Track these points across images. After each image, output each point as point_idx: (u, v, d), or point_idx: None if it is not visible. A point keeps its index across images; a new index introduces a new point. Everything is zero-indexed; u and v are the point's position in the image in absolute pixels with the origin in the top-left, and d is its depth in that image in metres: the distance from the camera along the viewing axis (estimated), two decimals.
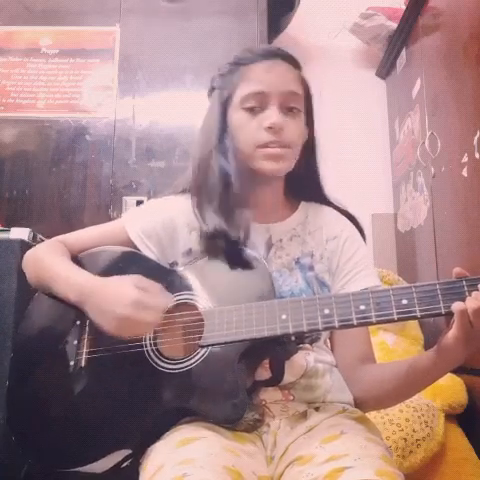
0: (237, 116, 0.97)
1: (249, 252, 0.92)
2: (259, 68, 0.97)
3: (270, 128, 0.94)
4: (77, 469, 0.86)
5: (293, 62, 1.00)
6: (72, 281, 0.91)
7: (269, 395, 0.91)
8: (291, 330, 0.81)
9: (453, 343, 0.77)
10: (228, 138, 0.97)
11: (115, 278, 0.88)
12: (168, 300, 0.87)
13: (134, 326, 0.83)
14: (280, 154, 0.95)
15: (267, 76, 0.96)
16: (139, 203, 1.93)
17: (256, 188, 1.00)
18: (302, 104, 1.00)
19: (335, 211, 1.07)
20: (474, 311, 0.73)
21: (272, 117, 0.94)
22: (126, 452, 0.86)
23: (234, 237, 0.93)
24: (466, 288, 0.76)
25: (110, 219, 1.91)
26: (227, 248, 0.93)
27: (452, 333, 0.76)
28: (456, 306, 0.75)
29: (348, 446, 0.79)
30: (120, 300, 0.83)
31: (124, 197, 1.97)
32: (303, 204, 1.06)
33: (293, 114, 0.97)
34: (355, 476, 0.71)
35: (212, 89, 1.05)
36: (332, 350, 1.01)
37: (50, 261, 0.96)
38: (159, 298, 0.85)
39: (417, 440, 1.38)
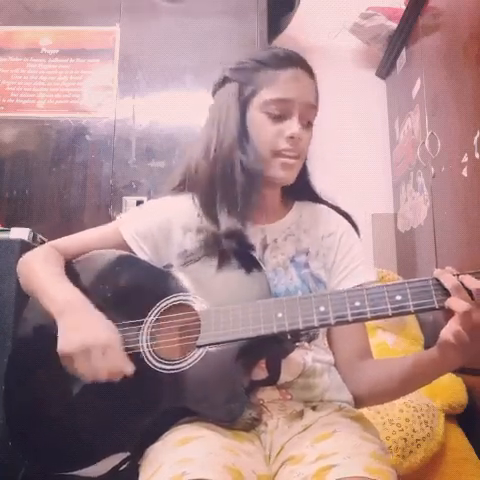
0: (257, 117, 0.97)
1: (249, 253, 0.93)
2: (287, 75, 0.96)
3: (291, 138, 0.95)
4: (76, 472, 0.86)
5: (311, 72, 1.01)
6: (57, 298, 0.90)
7: (267, 394, 0.91)
8: (287, 328, 0.82)
9: (450, 342, 0.77)
10: (248, 137, 0.97)
11: (100, 316, 0.88)
12: (127, 368, 0.85)
13: (87, 362, 0.82)
14: (293, 164, 0.97)
15: (294, 85, 0.96)
16: (139, 203, 1.93)
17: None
18: (315, 117, 1.01)
19: (329, 208, 1.07)
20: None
21: (294, 127, 0.95)
22: (124, 455, 0.85)
23: (248, 239, 0.93)
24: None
25: (110, 219, 1.92)
26: (240, 250, 0.93)
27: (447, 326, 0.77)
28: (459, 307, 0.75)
29: (339, 444, 0.79)
30: (98, 332, 0.84)
31: (124, 197, 1.97)
32: (297, 203, 1.07)
33: (308, 126, 0.99)
34: (343, 473, 0.71)
35: (225, 79, 1.02)
36: (329, 347, 1.01)
37: (39, 274, 0.96)
38: (124, 359, 0.85)
39: (417, 440, 1.38)
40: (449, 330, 0.75)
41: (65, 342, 0.84)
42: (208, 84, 2.21)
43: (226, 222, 0.93)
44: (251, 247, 0.95)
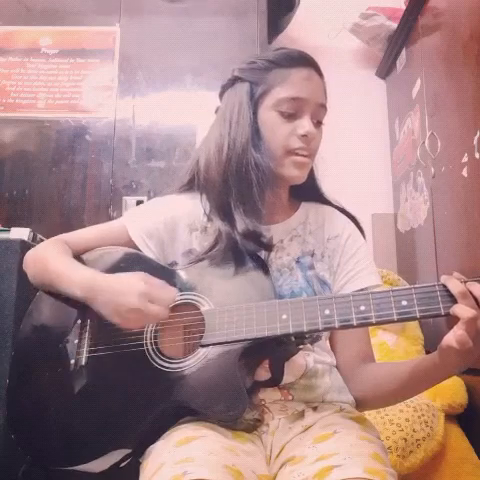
0: (269, 116, 0.97)
1: (255, 254, 0.93)
2: (300, 74, 0.97)
3: (304, 136, 0.96)
4: (76, 468, 0.86)
5: (321, 72, 1.02)
6: (78, 277, 0.90)
7: (268, 395, 0.91)
8: (291, 330, 0.82)
9: (453, 347, 0.76)
10: (260, 136, 0.97)
11: (121, 274, 0.89)
12: (174, 293, 0.88)
13: (142, 317, 0.84)
14: (306, 163, 0.98)
15: (306, 84, 0.97)
16: (139, 203, 1.92)
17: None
18: (324, 117, 1.01)
19: (336, 210, 1.07)
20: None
21: (307, 126, 0.96)
22: (126, 451, 0.86)
23: (265, 238, 0.93)
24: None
25: (110, 219, 1.91)
26: (256, 249, 0.93)
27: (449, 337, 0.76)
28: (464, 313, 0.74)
29: (339, 445, 0.79)
30: (129, 292, 0.83)
31: (124, 197, 1.97)
32: (304, 204, 1.07)
33: (318, 125, 1.00)
34: (343, 474, 0.71)
35: (235, 79, 1.01)
36: (332, 349, 1.01)
37: (53, 259, 0.95)
38: (165, 292, 0.86)
39: (417, 440, 1.38)
40: (453, 336, 0.75)
41: (114, 317, 0.85)
42: (208, 84, 2.22)
43: (243, 222, 0.93)
44: (269, 247, 0.95)
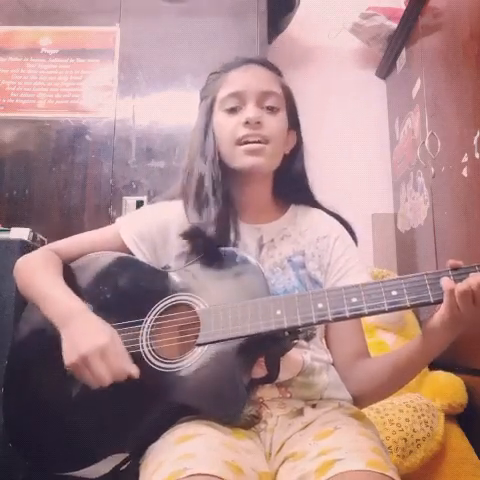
0: (218, 118, 1.02)
1: (242, 253, 0.94)
2: (236, 72, 1.02)
3: (247, 123, 0.97)
4: (76, 473, 0.86)
5: (271, 67, 1.05)
6: (55, 304, 0.91)
7: (266, 392, 0.91)
8: (286, 325, 0.83)
9: (439, 324, 0.80)
10: (210, 141, 1.00)
11: (98, 321, 0.88)
12: (129, 368, 0.84)
13: (84, 369, 0.83)
14: (259, 148, 0.98)
15: (242, 77, 1.01)
16: (139, 203, 1.93)
17: (243, 188, 1.03)
18: (282, 103, 1.03)
19: (323, 212, 1.09)
20: (460, 293, 0.76)
21: (248, 113, 0.98)
22: (125, 455, 0.86)
23: (210, 234, 0.94)
24: (452, 278, 0.79)
25: (110, 219, 1.92)
26: (207, 246, 0.94)
27: (438, 313, 0.80)
28: (446, 285, 0.78)
29: (340, 440, 0.80)
30: (90, 338, 0.83)
31: (124, 197, 1.97)
32: (293, 207, 1.08)
33: (272, 112, 1.01)
34: (345, 467, 0.71)
35: (201, 100, 1.08)
36: (328, 347, 1.02)
37: (38, 277, 0.96)
38: (122, 360, 0.84)
39: (417, 440, 1.38)
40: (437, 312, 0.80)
41: (66, 355, 0.85)
42: None
43: (192, 220, 0.97)
44: (215, 240, 0.95)
